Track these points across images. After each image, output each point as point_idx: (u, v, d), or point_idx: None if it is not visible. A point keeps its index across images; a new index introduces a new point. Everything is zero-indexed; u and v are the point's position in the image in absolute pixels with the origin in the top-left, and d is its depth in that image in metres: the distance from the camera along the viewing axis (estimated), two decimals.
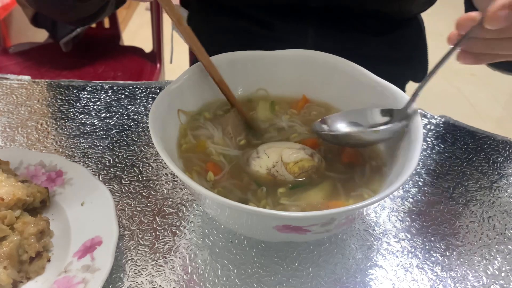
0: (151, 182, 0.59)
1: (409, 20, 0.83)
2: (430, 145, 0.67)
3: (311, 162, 0.49)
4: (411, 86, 0.90)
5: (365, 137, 0.50)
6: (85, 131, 0.66)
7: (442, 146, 0.67)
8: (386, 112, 0.50)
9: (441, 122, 0.71)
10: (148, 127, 0.46)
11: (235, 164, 0.51)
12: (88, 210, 0.52)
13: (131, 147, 0.64)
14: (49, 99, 0.71)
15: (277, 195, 0.48)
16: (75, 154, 0.62)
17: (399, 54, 0.82)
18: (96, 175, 0.59)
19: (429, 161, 0.64)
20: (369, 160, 0.51)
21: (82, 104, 0.71)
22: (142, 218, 0.54)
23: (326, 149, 0.53)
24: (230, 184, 0.49)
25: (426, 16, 0.86)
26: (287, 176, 0.49)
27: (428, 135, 0.68)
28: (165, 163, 0.43)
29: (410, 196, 0.59)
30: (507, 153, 0.66)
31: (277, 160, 0.49)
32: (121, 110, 0.70)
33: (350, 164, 0.51)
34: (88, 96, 0.72)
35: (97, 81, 0.75)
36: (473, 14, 0.43)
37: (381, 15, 0.78)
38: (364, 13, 0.77)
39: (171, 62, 1.39)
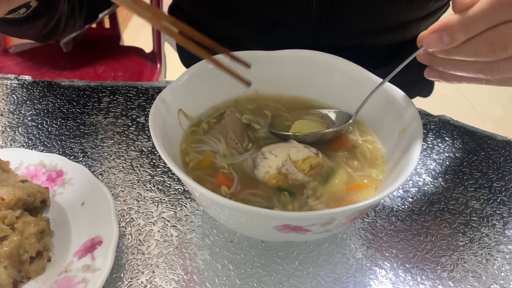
0: (151, 182, 0.59)
1: (415, 38, 0.81)
2: (430, 145, 0.67)
3: (317, 159, 0.50)
4: (417, 100, 0.90)
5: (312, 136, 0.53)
6: (85, 131, 0.66)
7: (442, 146, 0.67)
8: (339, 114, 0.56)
9: (441, 122, 0.71)
10: (148, 127, 0.46)
11: (243, 172, 0.50)
12: (88, 210, 0.52)
13: (131, 147, 0.64)
14: (50, 99, 0.72)
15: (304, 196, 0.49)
16: (76, 154, 0.62)
17: (404, 79, 0.80)
18: (96, 175, 0.59)
19: (429, 161, 0.64)
20: (356, 138, 0.55)
21: (83, 104, 0.71)
22: (142, 218, 0.54)
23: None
24: (248, 195, 0.48)
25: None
26: (298, 174, 0.49)
27: (428, 135, 0.68)
28: (165, 162, 0.43)
29: (410, 196, 0.59)
30: (507, 153, 0.66)
31: (285, 159, 0.49)
32: (121, 110, 0.70)
33: (343, 149, 0.53)
34: (89, 96, 0.72)
35: (98, 81, 0.75)
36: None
37: (383, 45, 0.77)
38: (364, 46, 0.75)
39: (165, 77, 1.39)
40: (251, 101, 0.59)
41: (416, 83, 0.85)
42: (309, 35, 0.72)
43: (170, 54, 1.30)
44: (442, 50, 0.42)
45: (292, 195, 0.48)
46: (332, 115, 0.57)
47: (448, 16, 0.40)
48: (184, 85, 0.54)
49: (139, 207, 0.56)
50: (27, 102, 0.71)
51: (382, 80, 0.54)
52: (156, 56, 1.40)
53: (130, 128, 0.67)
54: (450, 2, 0.42)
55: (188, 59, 0.92)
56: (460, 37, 0.40)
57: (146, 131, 0.66)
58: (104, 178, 0.59)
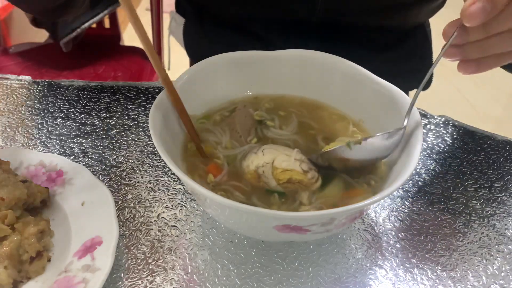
0: (151, 182, 0.59)
1: (415, 29, 0.82)
2: (430, 145, 0.67)
3: (301, 177, 0.48)
4: (417, 99, 0.90)
5: (354, 155, 0.49)
6: (85, 131, 0.66)
7: (442, 146, 0.67)
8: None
9: (441, 122, 0.71)
10: (148, 127, 0.46)
11: (236, 164, 0.50)
12: (88, 210, 0.52)
13: (131, 147, 0.64)
14: (50, 99, 0.72)
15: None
16: (76, 154, 0.62)
17: (405, 67, 0.80)
18: (96, 175, 0.59)
19: (429, 161, 0.64)
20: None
21: (83, 104, 0.71)
22: (142, 218, 0.54)
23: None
24: (229, 186, 0.48)
25: (432, 19, 0.85)
26: (270, 180, 0.48)
27: (428, 135, 0.68)
28: (165, 162, 0.43)
29: (410, 196, 0.59)
30: (507, 153, 0.66)
31: (268, 162, 0.49)
32: (121, 110, 0.70)
33: (346, 164, 0.51)
34: (89, 96, 0.72)
35: (97, 81, 0.75)
36: (455, 20, 0.43)
37: (385, 28, 0.77)
38: (367, 27, 0.76)
39: (168, 68, 1.39)
40: (271, 101, 0.59)
41: (416, 73, 0.85)
42: (314, 13, 0.72)
43: (172, 54, 1.30)
44: (478, 32, 0.41)
45: (282, 195, 0.48)
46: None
47: None
48: (184, 85, 0.54)
49: (139, 207, 0.56)
50: (27, 102, 0.71)
51: (382, 80, 0.54)
52: None
53: (130, 128, 0.67)
54: None
55: (192, 50, 0.91)
56: (501, 0, 0.39)
57: (146, 131, 0.66)
58: (104, 178, 0.59)
